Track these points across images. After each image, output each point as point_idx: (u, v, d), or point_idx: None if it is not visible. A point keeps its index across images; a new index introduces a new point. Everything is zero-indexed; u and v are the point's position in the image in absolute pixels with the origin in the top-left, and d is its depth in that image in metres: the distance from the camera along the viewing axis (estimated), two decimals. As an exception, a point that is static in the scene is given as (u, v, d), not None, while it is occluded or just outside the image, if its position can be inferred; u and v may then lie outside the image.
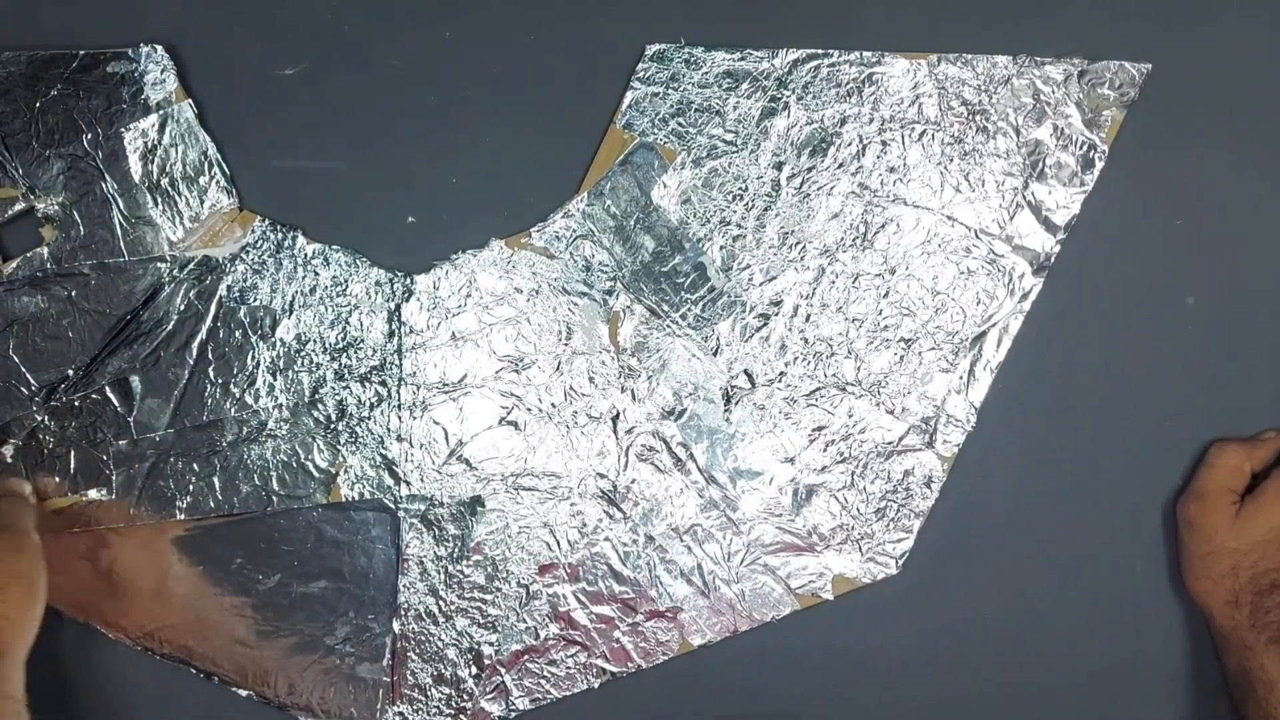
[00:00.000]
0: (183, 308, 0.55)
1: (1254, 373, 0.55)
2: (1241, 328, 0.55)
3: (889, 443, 0.55)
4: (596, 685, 0.55)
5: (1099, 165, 0.54)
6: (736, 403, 0.55)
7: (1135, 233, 0.55)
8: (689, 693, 0.55)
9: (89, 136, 0.55)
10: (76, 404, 0.55)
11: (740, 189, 0.55)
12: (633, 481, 0.55)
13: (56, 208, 0.55)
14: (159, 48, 0.56)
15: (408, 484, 0.55)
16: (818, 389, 0.54)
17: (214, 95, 0.56)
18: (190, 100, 0.56)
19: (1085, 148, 0.54)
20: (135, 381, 0.55)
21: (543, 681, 0.55)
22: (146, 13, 0.57)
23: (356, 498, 0.55)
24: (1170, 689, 0.56)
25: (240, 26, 0.57)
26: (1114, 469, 0.55)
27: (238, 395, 0.55)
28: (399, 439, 0.55)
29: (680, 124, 0.55)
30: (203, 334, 0.55)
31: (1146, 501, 0.56)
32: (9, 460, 0.55)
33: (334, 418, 0.55)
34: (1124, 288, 0.55)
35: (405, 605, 0.55)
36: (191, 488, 0.55)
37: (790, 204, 0.55)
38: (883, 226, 0.55)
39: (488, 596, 0.55)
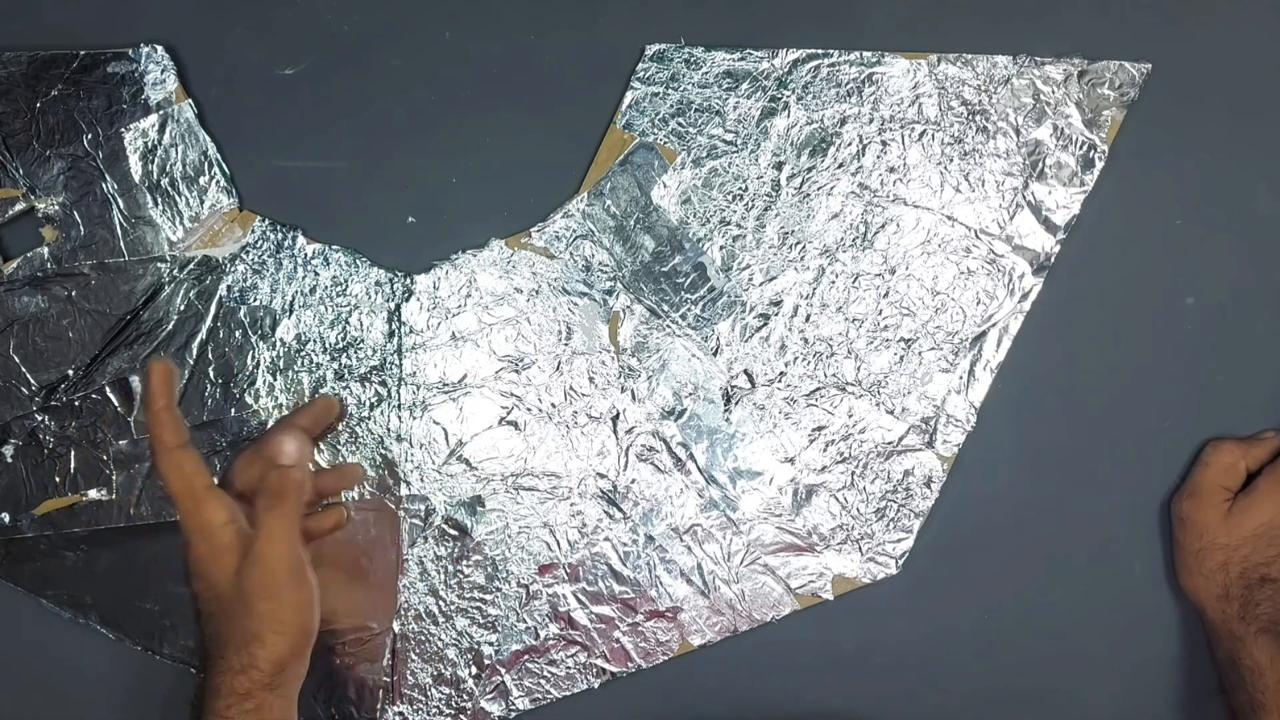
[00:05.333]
0: (183, 308, 0.55)
1: (1253, 373, 0.55)
2: (1241, 328, 0.55)
3: (889, 443, 0.54)
4: (596, 685, 0.55)
5: (1099, 165, 0.54)
6: (736, 403, 0.55)
7: (1135, 233, 0.55)
8: (689, 693, 0.55)
9: (89, 136, 0.55)
10: (77, 404, 0.55)
11: (740, 189, 0.55)
12: (633, 481, 0.55)
13: (57, 208, 0.55)
14: (159, 48, 0.56)
15: (408, 484, 0.55)
16: (818, 389, 0.54)
17: (214, 95, 0.56)
18: (190, 100, 0.56)
19: (1085, 148, 0.54)
20: (135, 381, 0.55)
21: (543, 681, 0.55)
22: (146, 13, 0.57)
23: (356, 498, 0.55)
24: (1169, 687, 0.56)
25: (240, 26, 0.57)
26: (1113, 469, 0.55)
27: (238, 395, 0.55)
28: (399, 439, 0.55)
29: (680, 124, 0.55)
30: (203, 334, 0.55)
31: (1145, 501, 0.55)
32: (9, 460, 0.55)
33: (334, 418, 0.55)
34: (1124, 288, 0.55)
35: (405, 605, 0.55)
36: (191, 488, 0.55)
37: (790, 204, 0.55)
38: (883, 226, 0.55)
39: (488, 596, 0.55)
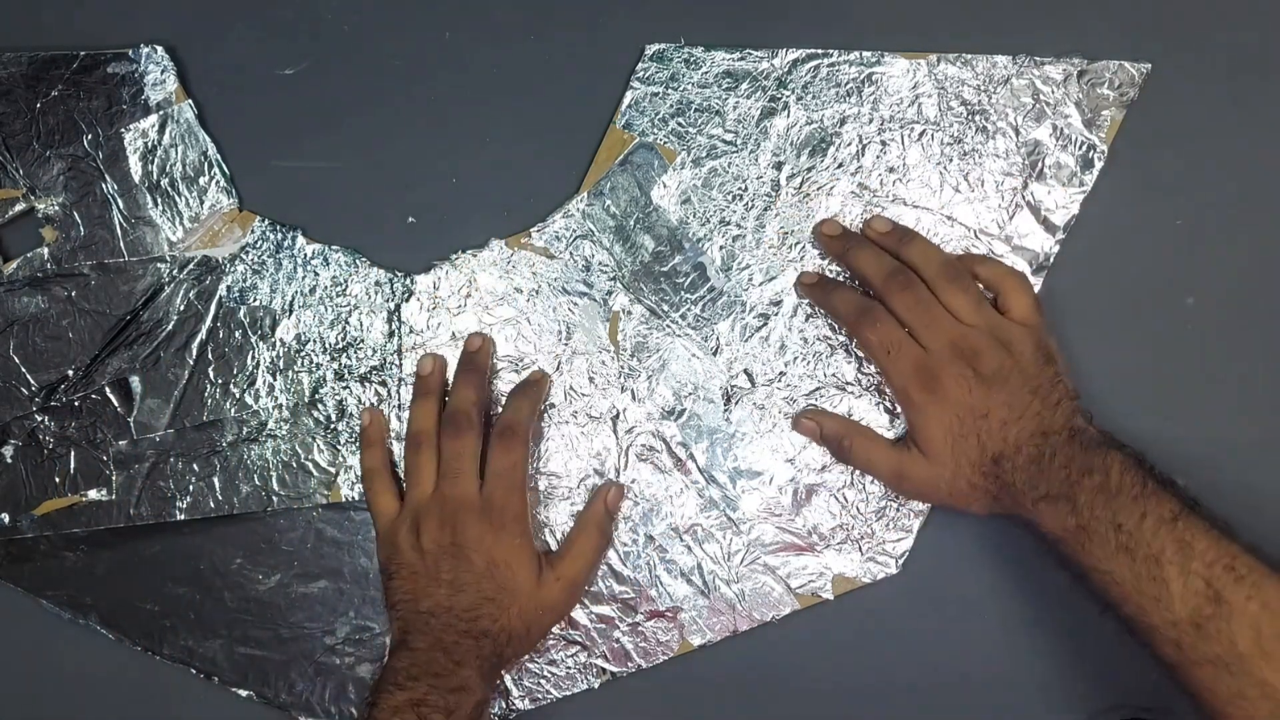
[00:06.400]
0: (183, 308, 0.55)
1: (1254, 373, 0.55)
2: (1241, 328, 0.55)
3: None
4: (596, 685, 0.55)
5: (1098, 165, 0.54)
6: (736, 403, 0.55)
7: (1135, 233, 0.55)
8: (689, 693, 0.55)
9: (89, 137, 0.55)
10: (76, 404, 0.55)
11: (740, 189, 0.55)
12: (633, 481, 0.55)
13: (57, 208, 0.55)
14: (159, 48, 0.56)
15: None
16: (818, 389, 0.54)
17: (214, 95, 0.57)
18: (190, 100, 0.56)
19: (1085, 148, 0.54)
20: (135, 381, 0.55)
21: (543, 681, 0.55)
22: (146, 13, 0.57)
23: (356, 498, 0.55)
24: (1173, 687, 0.56)
25: (240, 26, 0.57)
26: (1114, 469, 0.55)
27: (238, 395, 0.55)
28: (399, 439, 0.55)
29: (680, 124, 0.55)
30: (203, 334, 0.55)
31: (1146, 501, 0.55)
32: (9, 460, 0.55)
33: (334, 418, 0.55)
34: (1124, 288, 0.55)
35: (405, 605, 0.55)
36: (191, 488, 0.55)
37: (790, 204, 0.55)
38: (882, 226, 0.55)
39: (488, 596, 0.55)
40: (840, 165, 0.55)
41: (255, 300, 0.56)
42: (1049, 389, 0.49)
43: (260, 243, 0.56)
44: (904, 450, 0.51)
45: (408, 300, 0.56)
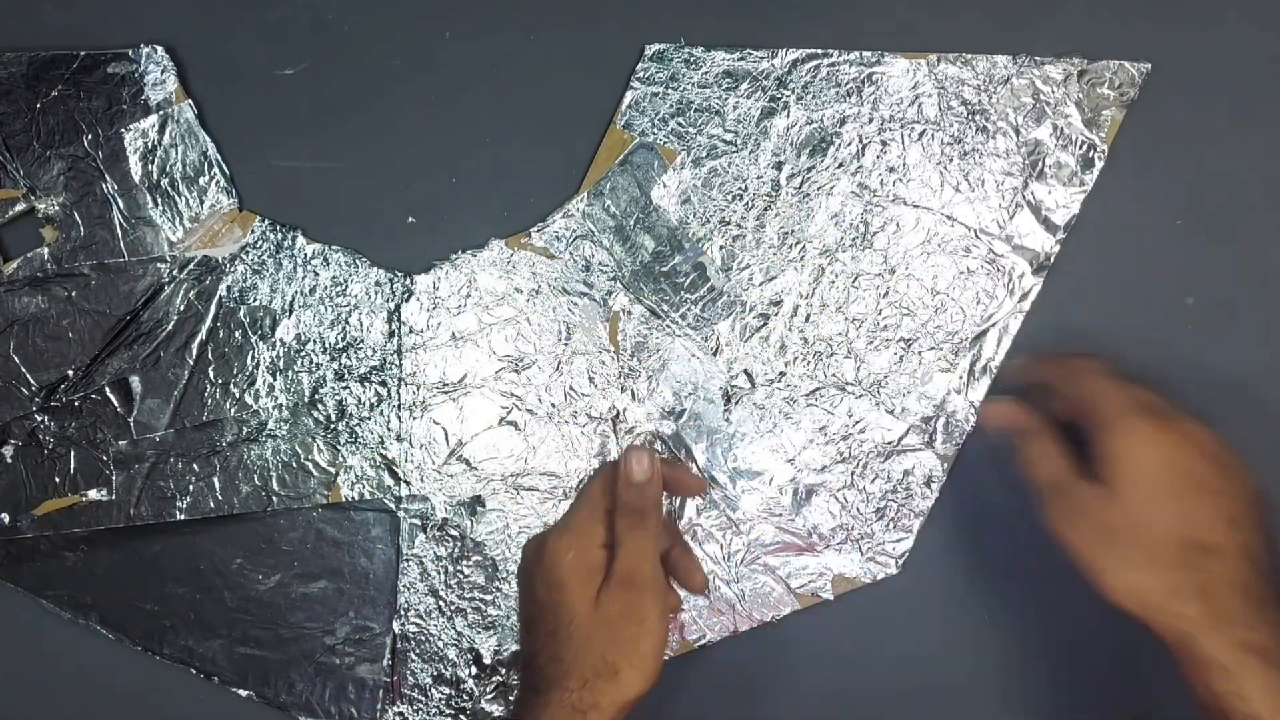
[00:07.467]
0: (183, 308, 0.55)
1: (1254, 373, 0.55)
2: (1241, 328, 0.55)
3: (889, 443, 0.54)
4: (596, 685, 0.55)
5: (1099, 165, 0.54)
6: (736, 403, 0.55)
7: (1135, 233, 0.55)
8: (689, 693, 0.55)
9: (89, 137, 0.55)
10: (76, 404, 0.55)
11: (740, 189, 0.55)
12: (633, 481, 0.55)
13: (57, 208, 0.55)
14: (159, 48, 0.56)
15: (408, 484, 0.55)
16: (818, 389, 0.54)
17: (214, 95, 0.57)
18: (190, 100, 0.56)
19: (1085, 148, 0.54)
20: (135, 381, 0.55)
21: (543, 681, 0.55)
22: (146, 13, 0.57)
23: (356, 498, 0.55)
24: (1173, 687, 0.56)
25: (240, 26, 0.57)
26: (1114, 469, 0.55)
27: (238, 395, 0.55)
28: (399, 439, 0.55)
29: (680, 124, 0.55)
30: (203, 334, 0.55)
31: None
32: (9, 460, 0.55)
33: (334, 418, 0.55)
34: (1124, 288, 0.55)
35: (405, 605, 0.55)
36: (191, 488, 0.55)
37: (790, 204, 0.55)
38: (882, 227, 0.55)
39: (488, 596, 0.55)
40: (840, 165, 0.55)
41: (255, 300, 0.56)
42: None
43: (260, 243, 0.56)
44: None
45: (408, 300, 0.56)
